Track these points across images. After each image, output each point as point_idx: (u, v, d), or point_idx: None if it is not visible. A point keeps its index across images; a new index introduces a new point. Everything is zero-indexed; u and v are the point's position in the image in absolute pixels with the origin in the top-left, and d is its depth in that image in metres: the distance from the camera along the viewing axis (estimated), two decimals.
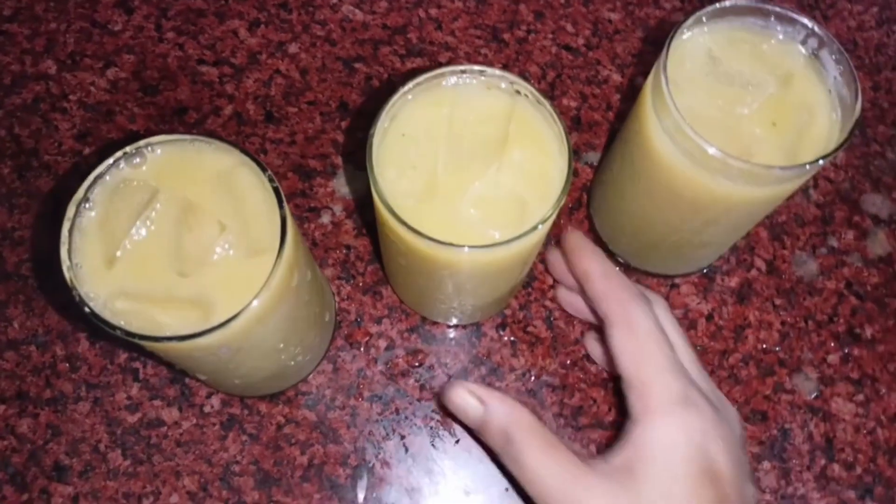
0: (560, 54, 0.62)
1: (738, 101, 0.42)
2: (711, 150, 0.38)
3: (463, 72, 0.41)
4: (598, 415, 0.52)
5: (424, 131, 0.40)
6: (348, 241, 0.56)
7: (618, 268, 0.55)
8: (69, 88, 0.60)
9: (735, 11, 0.43)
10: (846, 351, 0.54)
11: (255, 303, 0.35)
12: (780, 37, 0.43)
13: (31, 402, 0.51)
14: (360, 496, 0.50)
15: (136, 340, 0.34)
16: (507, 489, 0.50)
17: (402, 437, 0.51)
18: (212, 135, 0.39)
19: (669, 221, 0.47)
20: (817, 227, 0.58)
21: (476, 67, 0.41)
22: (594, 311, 0.45)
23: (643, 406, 0.39)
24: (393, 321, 0.54)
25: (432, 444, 0.51)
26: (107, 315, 0.34)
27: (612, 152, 0.51)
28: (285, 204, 0.37)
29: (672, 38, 0.41)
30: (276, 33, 0.62)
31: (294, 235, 0.38)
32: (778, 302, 0.56)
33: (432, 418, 0.52)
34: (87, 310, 0.34)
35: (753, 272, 0.56)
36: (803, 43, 0.43)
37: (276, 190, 0.37)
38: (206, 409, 0.51)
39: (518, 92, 0.41)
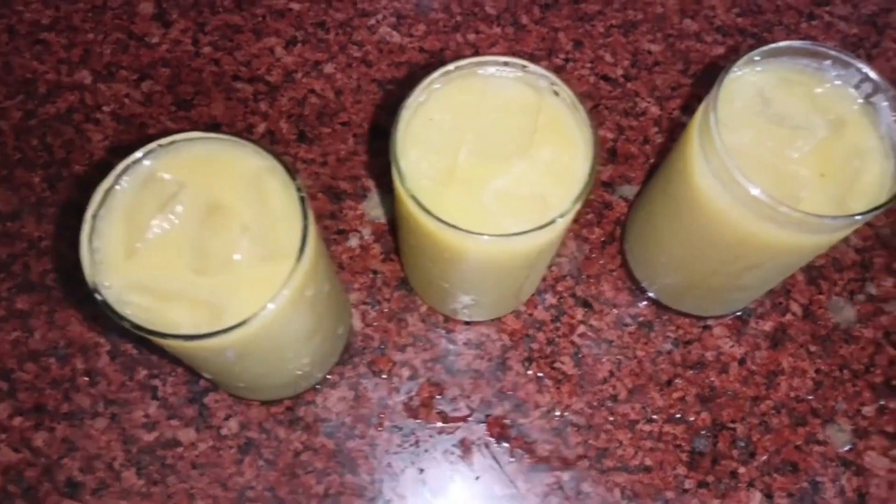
0: (598, 84, 0.61)
1: (788, 143, 0.41)
2: (759, 194, 0.37)
3: (505, 63, 0.41)
4: (624, 458, 0.51)
5: (454, 120, 0.41)
6: (375, 265, 0.55)
7: (649, 306, 0.54)
8: (103, 100, 0.60)
9: (789, 52, 0.42)
10: (882, 403, 0.53)
11: (267, 309, 0.34)
12: (834, 80, 0.42)
13: (48, 416, 0.50)
14: None
15: (143, 334, 0.34)
16: None
17: (421, 471, 0.50)
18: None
19: (709, 264, 0.46)
20: (856, 272, 0.56)
21: (519, 61, 0.41)
22: None
23: None
24: (417, 350, 0.53)
25: (451, 480, 0.50)
26: (119, 306, 0.34)
27: (652, 189, 0.50)
28: (310, 212, 0.36)
29: (724, 75, 0.40)
30: (312, 52, 0.62)
31: (315, 245, 0.37)
32: (813, 349, 0.54)
33: (452, 452, 0.50)
34: (98, 297, 0.34)
35: (789, 316, 0.55)
36: (857, 87, 0.42)
37: (301, 199, 0.36)
38: (224, 431, 0.50)
39: (556, 93, 0.41)
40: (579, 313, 0.54)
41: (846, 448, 0.51)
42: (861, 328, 0.55)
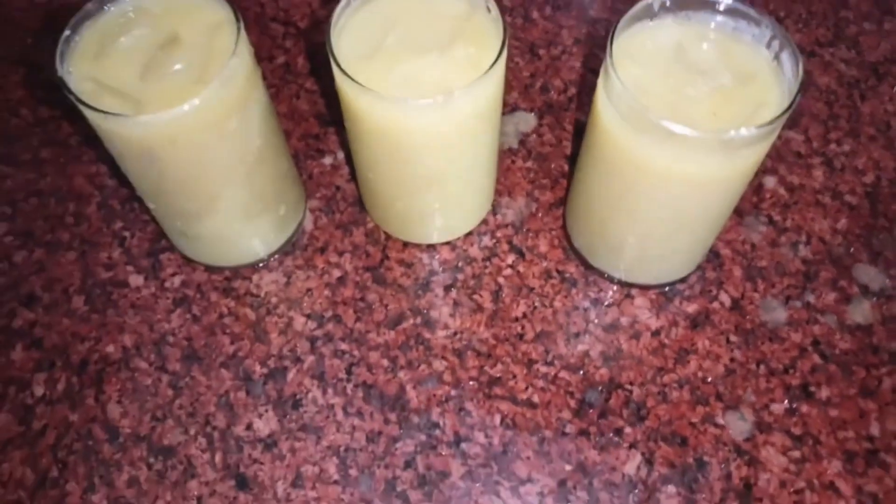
0: (586, 76, 0.66)
1: (689, 83, 0.44)
2: (628, 96, 0.40)
3: None
4: (514, 390, 0.52)
5: (392, 15, 0.47)
6: (339, 182, 0.61)
7: (578, 267, 0.56)
8: None
9: (705, 6, 0.45)
10: (793, 406, 0.51)
11: (177, 109, 0.41)
12: (748, 39, 0.45)
13: (32, 241, 0.59)
14: (267, 394, 0.52)
15: (79, 104, 0.42)
16: (386, 422, 0.50)
17: (322, 356, 0.53)
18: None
19: (608, 198, 0.48)
20: (797, 280, 0.56)
21: None
22: None
23: None
24: (353, 257, 0.57)
25: (347, 371, 0.53)
26: (72, 85, 0.42)
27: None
28: (242, 48, 0.43)
29: (632, 11, 0.44)
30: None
31: (242, 82, 0.44)
32: (733, 339, 0.53)
33: (355, 347, 0.53)
34: (59, 74, 0.42)
35: (715, 304, 0.55)
36: (768, 46, 0.44)
37: (237, 38, 0.43)
38: (167, 284, 0.56)
39: (489, 10, 0.47)
40: (510, 258, 0.57)
41: (743, 437, 0.50)
42: (790, 331, 0.54)
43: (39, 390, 0.53)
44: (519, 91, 0.65)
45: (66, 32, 0.44)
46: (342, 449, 0.50)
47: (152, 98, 0.43)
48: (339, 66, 0.44)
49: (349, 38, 0.46)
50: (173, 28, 0.45)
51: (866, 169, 0.60)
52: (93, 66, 0.44)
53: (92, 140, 0.63)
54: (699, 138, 0.40)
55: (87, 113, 0.42)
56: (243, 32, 0.44)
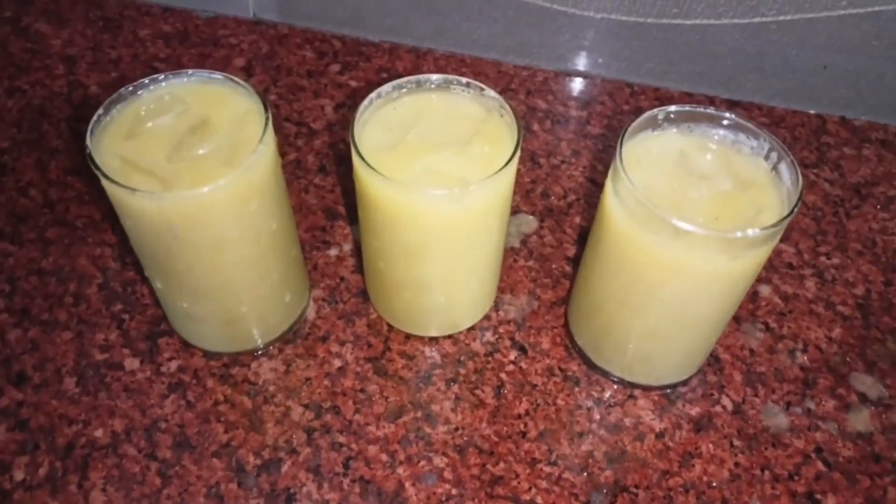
0: (585, 185, 0.69)
1: (691, 186, 0.46)
2: (638, 195, 0.42)
3: (468, 84, 0.50)
4: (517, 490, 0.50)
5: (413, 113, 0.50)
6: (344, 273, 0.61)
7: (580, 365, 0.56)
8: None
9: (706, 119, 0.48)
10: None
11: (202, 190, 0.42)
12: (748, 151, 0.48)
13: (28, 319, 0.58)
14: (260, 486, 0.50)
15: (104, 178, 0.42)
16: None
17: (319, 449, 0.52)
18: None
19: (615, 293, 0.49)
20: (797, 386, 0.56)
21: (479, 85, 0.50)
22: None
23: None
24: (355, 348, 0.57)
25: (344, 465, 0.51)
26: (99, 160, 0.43)
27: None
28: (269, 137, 0.45)
29: (640, 118, 0.47)
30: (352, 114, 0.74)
31: (265, 167, 0.45)
32: (736, 443, 0.53)
33: (354, 441, 0.52)
34: (87, 150, 0.43)
35: (718, 408, 0.55)
36: (766, 158, 0.47)
37: (266, 125, 0.45)
38: (163, 368, 0.55)
39: (502, 115, 0.49)
40: (512, 355, 0.57)
41: None
42: (792, 437, 0.53)
43: (20, 474, 0.50)
44: (520, 195, 0.68)
45: (99, 112, 0.46)
46: None
47: (179, 178, 0.44)
48: (360, 156, 0.45)
49: (372, 132, 0.49)
50: (203, 115, 0.47)
51: (856, 281, 0.62)
52: (122, 146, 0.45)
53: (99, 223, 0.64)
54: (706, 237, 0.42)
55: (113, 190, 0.43)
56: (271, 122, 0.46)
